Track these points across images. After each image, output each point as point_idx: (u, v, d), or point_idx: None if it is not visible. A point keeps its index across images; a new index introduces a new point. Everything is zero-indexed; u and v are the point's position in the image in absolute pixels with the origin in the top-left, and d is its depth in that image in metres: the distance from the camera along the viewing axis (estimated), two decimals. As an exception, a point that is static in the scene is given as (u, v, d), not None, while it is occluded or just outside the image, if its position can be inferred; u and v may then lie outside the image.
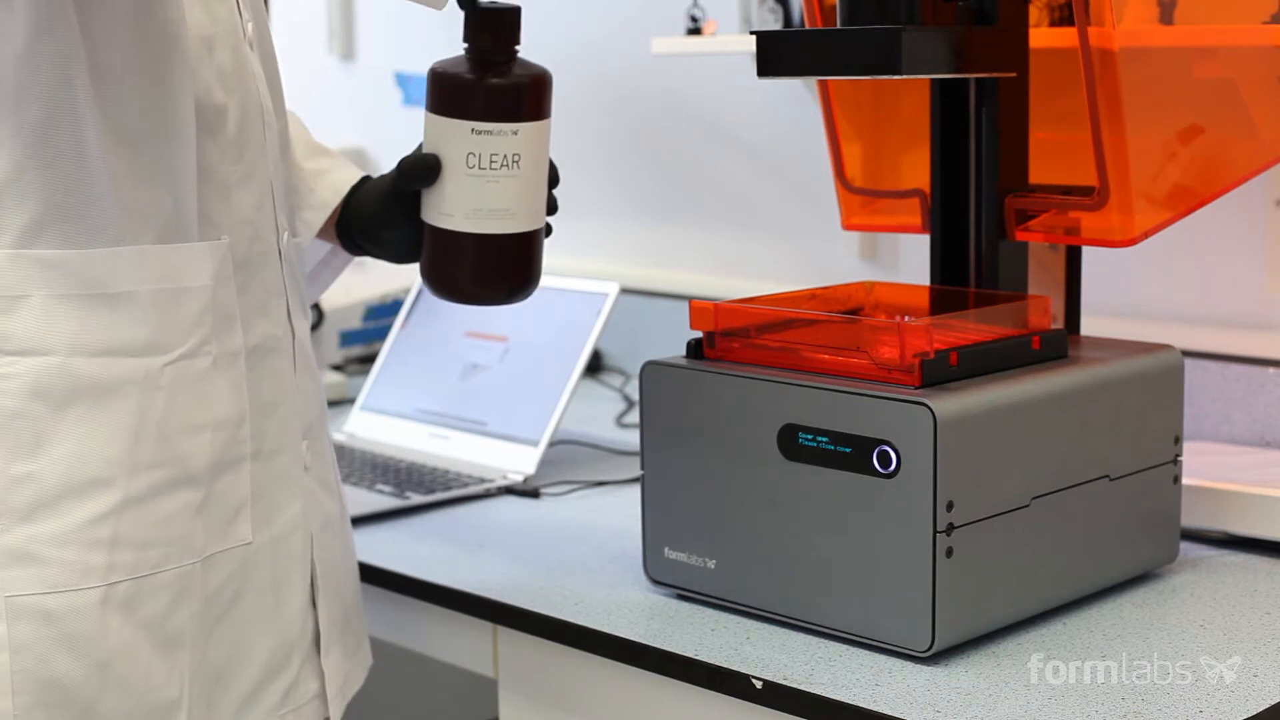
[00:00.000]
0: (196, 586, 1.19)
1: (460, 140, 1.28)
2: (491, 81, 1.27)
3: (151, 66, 1.15)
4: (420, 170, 1.28)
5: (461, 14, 1.27)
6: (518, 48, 1.28)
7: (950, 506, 1.20)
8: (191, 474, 1.18)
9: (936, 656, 1.22)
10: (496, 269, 1.31)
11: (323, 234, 1.42)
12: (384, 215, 1.37)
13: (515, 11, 1.28)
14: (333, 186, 1.41)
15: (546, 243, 1.32)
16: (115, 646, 1.15)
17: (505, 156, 1.28)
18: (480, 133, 1.27)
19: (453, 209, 1.29)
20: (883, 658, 1.23)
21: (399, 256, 1.39)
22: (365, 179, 1.43)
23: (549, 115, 1.29)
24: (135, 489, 1.16)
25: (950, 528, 1.20)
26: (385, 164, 2.75)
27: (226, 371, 1.21)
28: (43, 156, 1.12)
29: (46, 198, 1.12)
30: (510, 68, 1.28)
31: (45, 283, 1.13)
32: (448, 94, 1.28)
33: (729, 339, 1.35)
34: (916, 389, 1.22)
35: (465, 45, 1.27)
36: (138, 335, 1.16)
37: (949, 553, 1.20)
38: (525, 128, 1.27)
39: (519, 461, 1.78)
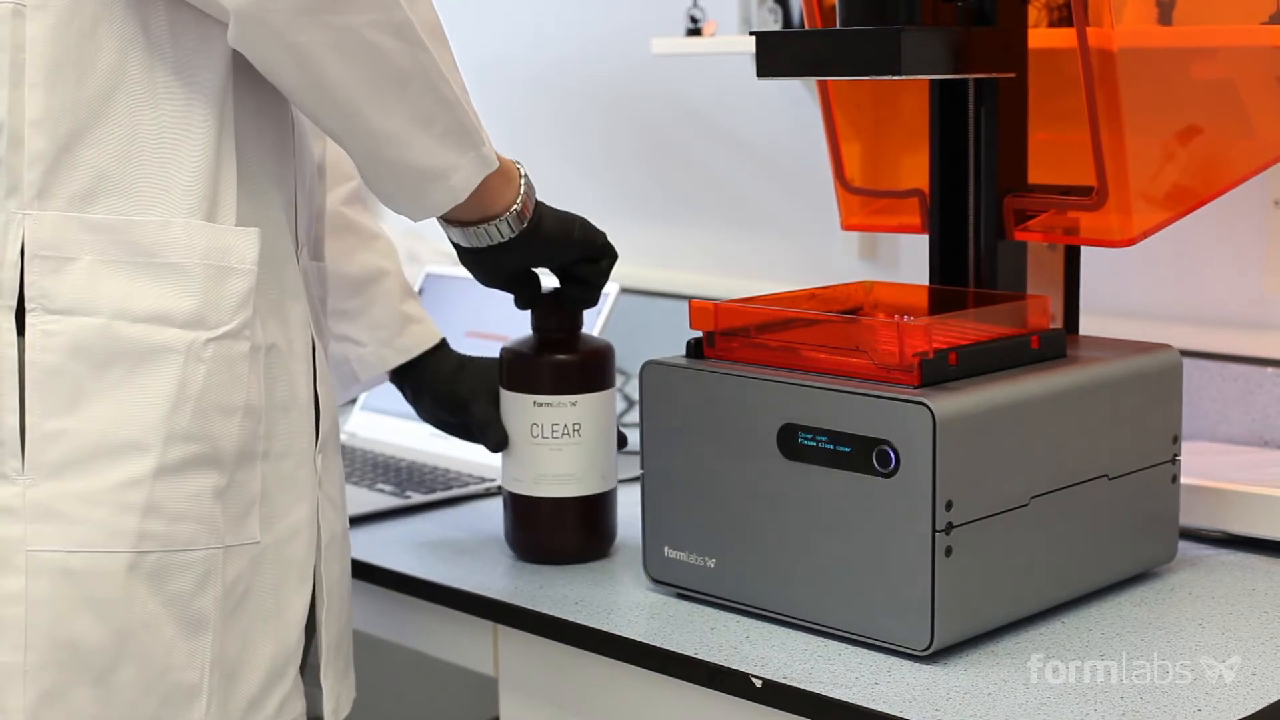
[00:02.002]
0: (219, 573, 1.20)
1: (525, 412, 1.45)
2: (549, 358, 1.45)
3: (201, 54, 1.18)
4: (496, 442, 1.49)
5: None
6: (578, 326, 1.47)
7: (949, 506, 1.20)
8: (220, 455, 1.19)
9: (936, 655, 1.22)
10: (566, 529, 1.47)
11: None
12: (447, 399, 1.56)
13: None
14: (416, 338, 1.59)
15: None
16: (139, 617, 1.16)
17: (566, 426, 1.44)
18: (541, 405, 1.44)
19: (522, 474, 1.47)
20: (882, 657, 1.23)
21: (426, 417, 1.61)
22: (443, 342, 1.61)
23: (611, 385, 1.47)
24: (170, 458, 1.17)
25: (949, 527, 1.20)
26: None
27: (255, 362, 1.22)
28: (97, 131, 1.15)
29: (98, 170, 1.15)
30: (570, 344, 1.46)
31: (94, 247, 1.15)
32: (512, 371, 1.47)
33: (729, 339, 1.36)
34: (916, 389, 1.23)
35: (531, 326, 1.47)
36: (184, 306, 1.17)
37: (948, 552, 1.20)
38: (584, 399, 1.44)
39: (519, 461, 1.78)
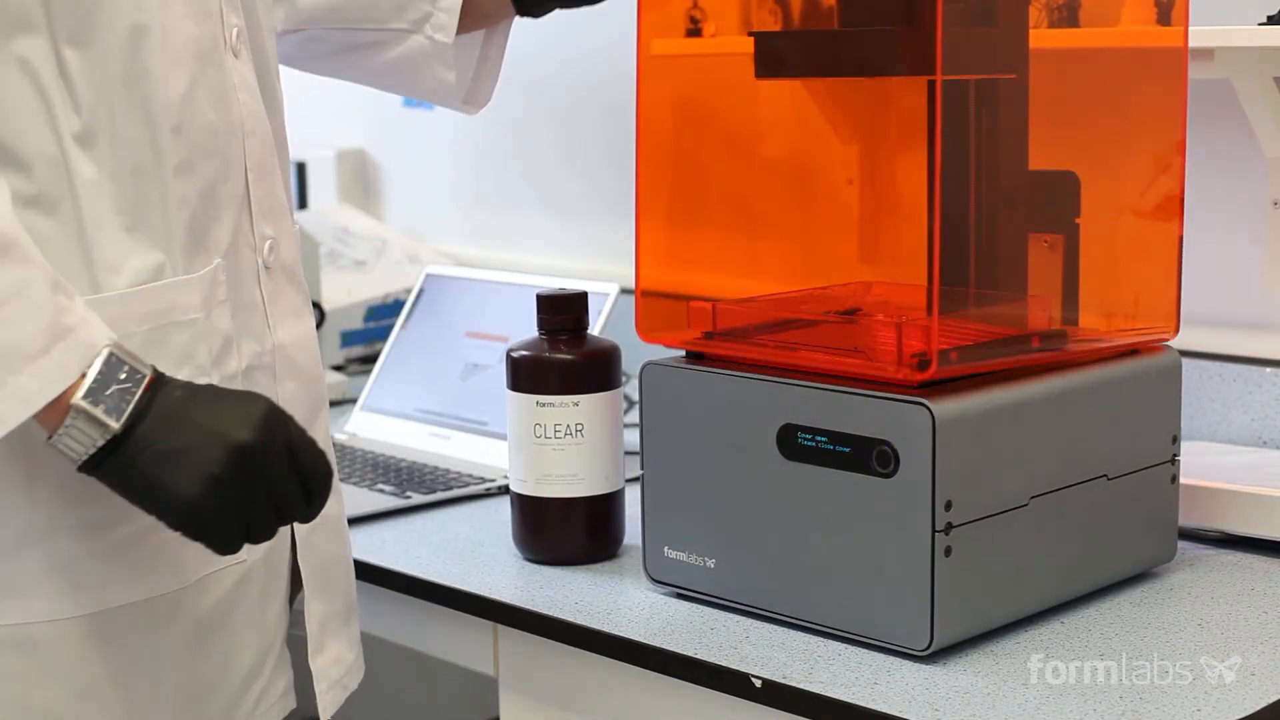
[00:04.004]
0: (186, 609, 1.19)
1: (528, 413, 1.45)
2: (552, 358, 1.46)
3: (142, 109, 1.14)
4: None
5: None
6: (584, 327, 1.47)
7: (949, 506, 1.20)
8: None
9: (935, 656, 1.22)
10: (571, 530, 1.47)
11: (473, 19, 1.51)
12: None
13: (577, 297, 1.47)
14: None
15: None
16: (99, 673, 1.15)
17: (569, 426, 1.44)
18: (544, 405, 1.44)
19: (525, 475, 1.47)
20: (882, 657, 1.23)
21: None
22: None
23: (616, 386, 1.47)
24: (128, 525, 1.15)
25: (949, 527, 1.20)
26: (386, 164, 2.76)
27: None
28: (39, 206, 1.11)
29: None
30: (574, 345, 1.46)
31: None
32: (515, 372, 1.47)
33: (728, 339, 1.36)
34: (915, 389, 1.23)
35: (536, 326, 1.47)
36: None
37: (948, 552, 1.20)
38: (586, 399, 1.44)
39: (519, 461, 1.78)
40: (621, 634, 1.31)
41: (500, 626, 1.43)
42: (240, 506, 1.09)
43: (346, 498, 1.66)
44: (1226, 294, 1.75)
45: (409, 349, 2.01)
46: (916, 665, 1.22)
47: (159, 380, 1.09)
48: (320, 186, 2.72)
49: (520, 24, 2.55)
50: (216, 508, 1.08)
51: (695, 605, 1.36)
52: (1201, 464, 1.54)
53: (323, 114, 2.73)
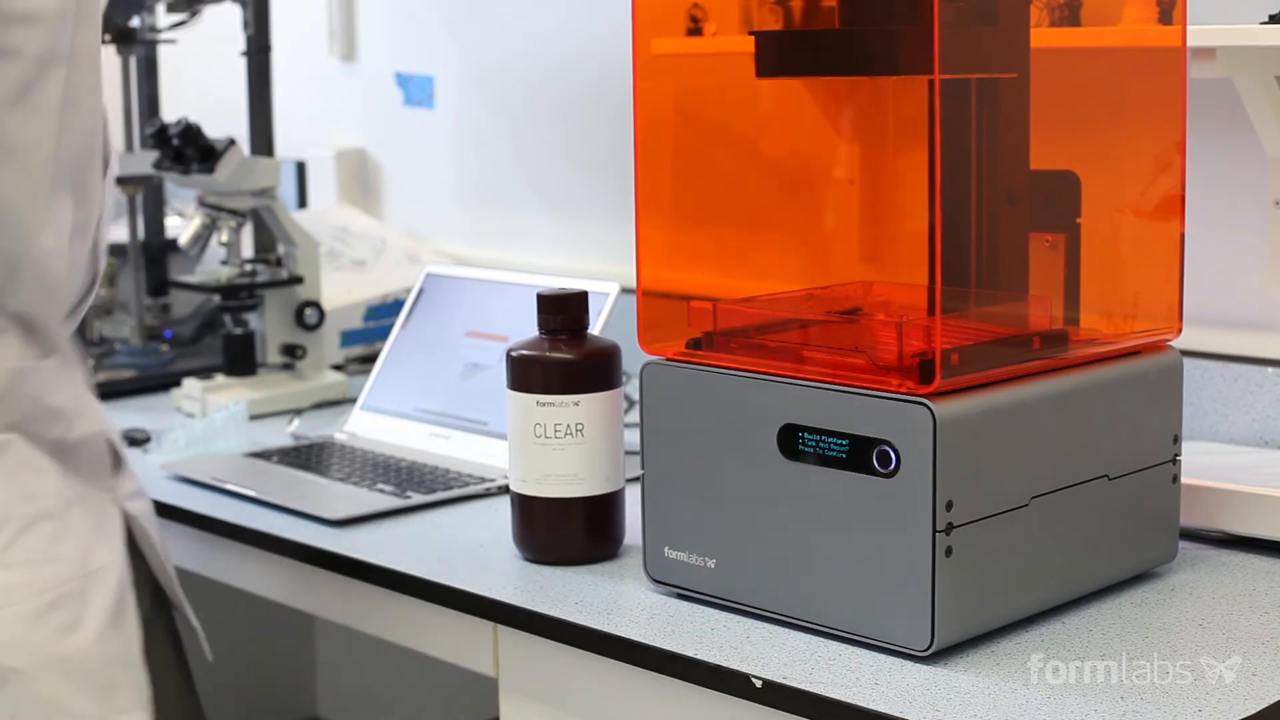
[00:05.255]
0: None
1: (528, 412, 1.45)
2: (552, 357, 1.46)
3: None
4: None
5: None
6: (584, 327, 1.47)
7: (950, 506, 1.20)
8: None
9: (936, 656, 1.22)
10: (570, 530, 1.47)
11: None
12: None
13: (577, 296, 1.47)
14: None
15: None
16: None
17: (569, 425, 1.44)
18: (544, 404, 1.44)
19: (525, 475, 1.47)
20: (882, 657, 1.23)
21: None
22: None
23: (616, 385, 1.47)
24: None
25: (950, 527, 1.20)
26: (386, 164, 2.76)
27: None
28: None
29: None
30: (574, 344, 1.46)
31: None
32: (515, 371, 1.47)
33: (729, 339, 1.36)
34: (916, 388, 1.22)
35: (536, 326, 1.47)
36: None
37: (948, 552, 1.20)
38: (587, 399, 1.44)
39: (519, 461, 1.78)
40: (621, 634, 1.31)
41: (500, 626, 1.43)
42: None
43: (346, 498, 1.68)
44: (1228, 294, 1.75)
45: (409, 349, 2.00)
46: (917, 665, 1.22)
47: None
48: (320, 186, 2.71)
49: (520, 24, 2.56)
50: None
51: (695, 605, 1.36)
52: (1203, 464, 1.54)
53: (322, 114, 2.73)
